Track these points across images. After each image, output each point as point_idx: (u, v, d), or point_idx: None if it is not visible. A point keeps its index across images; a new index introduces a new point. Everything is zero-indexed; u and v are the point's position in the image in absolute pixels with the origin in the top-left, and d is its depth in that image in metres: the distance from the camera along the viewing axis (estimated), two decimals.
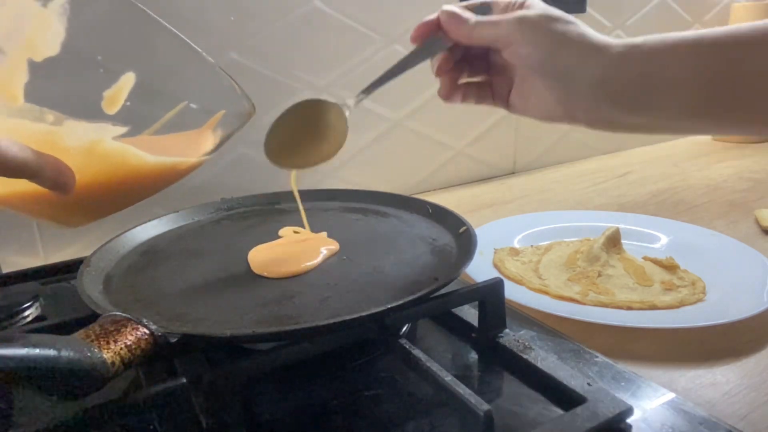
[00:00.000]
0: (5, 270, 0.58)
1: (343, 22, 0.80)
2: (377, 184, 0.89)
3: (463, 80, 0.48)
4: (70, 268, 0.57)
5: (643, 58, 0.40)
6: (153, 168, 0.39)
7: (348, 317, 0.37)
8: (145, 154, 0.37)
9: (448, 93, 0.48)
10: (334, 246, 0.52)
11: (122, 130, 0.37)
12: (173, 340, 0.35)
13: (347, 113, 0.46)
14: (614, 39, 0.41)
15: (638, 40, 0.41)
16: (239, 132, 0.77)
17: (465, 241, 0.50)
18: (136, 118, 0.38)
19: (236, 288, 0.46)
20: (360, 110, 0.85)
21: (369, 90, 0.46)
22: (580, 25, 0.42)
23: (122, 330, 0.33)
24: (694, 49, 0.39)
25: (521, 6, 0.43)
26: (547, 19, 0.41)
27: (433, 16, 0.46)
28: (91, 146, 0.35)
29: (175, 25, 0.69)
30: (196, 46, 0.40)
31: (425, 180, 0.95)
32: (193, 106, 0.41)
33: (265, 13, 0.75)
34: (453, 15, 0.44)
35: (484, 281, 0.44)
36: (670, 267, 0.59)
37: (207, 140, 0.43)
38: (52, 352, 0.28)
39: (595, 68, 0.40)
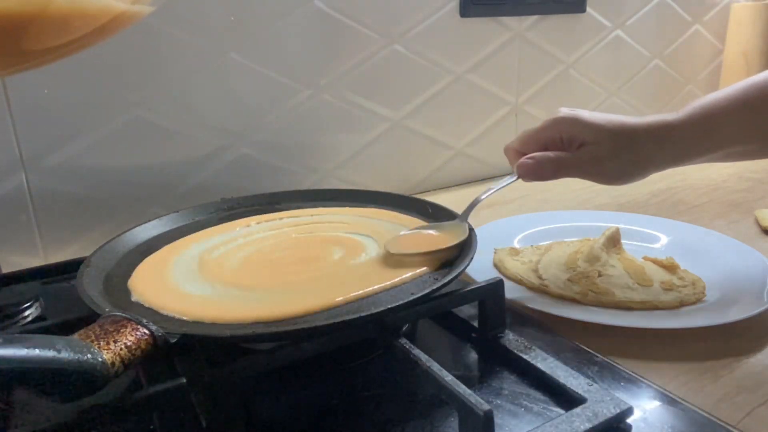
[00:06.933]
0: (5, 270, 0.58)
1: (343, 22, 0.80)
2: (377, 184, 0.89)
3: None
4: (70, 268, 0.57)
5: (700, 124, 0.50)
6: (76, 4, 0.33)
7: (348, 317, 0.37)
8: None
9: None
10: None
11: None
12: (173, 340, 0.35)
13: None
14: (667, 115, 0.52)
15: (694, 108, 0.51)
16: (240, 132, 0.77)
17: (465, 241, 0.50)
18: None
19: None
20: (360, 110, 0.86)
21: (467, 214, 0.54)
22: (634, 124, 0.51)
23: (122, 330, 0.33)
24: (744, 104, 0.50)
25: (582, 144, 0.51)
26: (619, 145, 0.51)
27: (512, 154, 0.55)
28: None
29: (175, 25, 0.69)
30: None
31: (425, 180, 0.95)
32: None
33: (265, 13, 0.74)
34: (535, 173, 0.52)
35: (484, 281, 0.44)
36: (670, 267, 0.59)
37: None
38: (52, 353, 0.28)
39: (664, 152, 0.51)
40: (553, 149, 0.53)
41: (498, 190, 0.55)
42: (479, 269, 0.59)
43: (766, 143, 0.51)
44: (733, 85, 0.51)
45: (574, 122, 0.52)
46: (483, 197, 0.54)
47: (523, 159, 0.52)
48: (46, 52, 0.37)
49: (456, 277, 0.43)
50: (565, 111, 0.53)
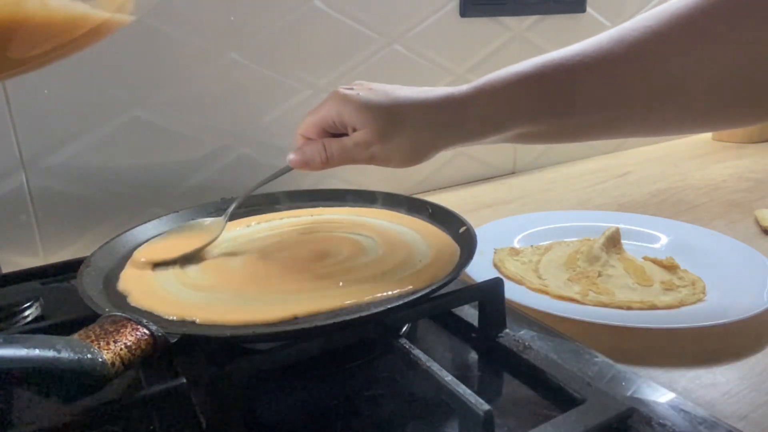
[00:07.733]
0: (5, 270, 0.58)
1: (343, 22, 0.80)
2: (377, 184, 0.89)
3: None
4: (70, 268, 0.57)
5: (489, 100, 0.44)
6: (54, 14, 0.34)
7: (348, 317, 0.37)
8: None
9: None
10: None
11: None
12: (173, 340, 0.35)
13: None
14: (457, 88, 0.45)
15: (484, 83, 0.45)
16: (240, 132, 0.77)
17: (465, 241, 0.50)
18: None
19: None
20: None
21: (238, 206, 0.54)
22: (410, 102, 0.45)
23: (122, 330, 0.33)
24: (535, 81, 0.44)
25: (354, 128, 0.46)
26: (387, 131, 0.45)
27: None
28: None
29: (175, 25, 0.69)
30: None
31: (425, 180, 0.95)
32: None
33: (265, 13, 0.74)
34: (305, 164, 0.49)
35: (484, 281, 0.44)
36: (670, 267, 0.59)
37: None
38: (52, 353, 0.28)
39: (444, 133, 0.45)
40: (334, 132, 0.48)
41: (271, 179, 0.54)
42: (479, 269, 0.59)
43: (556, 126, 0.44)
44: (533, 58, 0.45)
45: (342, 104, 0.46)
46: (253, 188, 0.54)
47: (294, 150, 0.50)
48: (32, 59, 0.38)
49: (455, 277, 0.43)
50: (340, 90, 0.47)
